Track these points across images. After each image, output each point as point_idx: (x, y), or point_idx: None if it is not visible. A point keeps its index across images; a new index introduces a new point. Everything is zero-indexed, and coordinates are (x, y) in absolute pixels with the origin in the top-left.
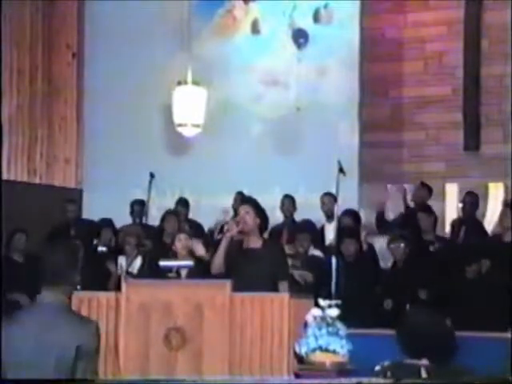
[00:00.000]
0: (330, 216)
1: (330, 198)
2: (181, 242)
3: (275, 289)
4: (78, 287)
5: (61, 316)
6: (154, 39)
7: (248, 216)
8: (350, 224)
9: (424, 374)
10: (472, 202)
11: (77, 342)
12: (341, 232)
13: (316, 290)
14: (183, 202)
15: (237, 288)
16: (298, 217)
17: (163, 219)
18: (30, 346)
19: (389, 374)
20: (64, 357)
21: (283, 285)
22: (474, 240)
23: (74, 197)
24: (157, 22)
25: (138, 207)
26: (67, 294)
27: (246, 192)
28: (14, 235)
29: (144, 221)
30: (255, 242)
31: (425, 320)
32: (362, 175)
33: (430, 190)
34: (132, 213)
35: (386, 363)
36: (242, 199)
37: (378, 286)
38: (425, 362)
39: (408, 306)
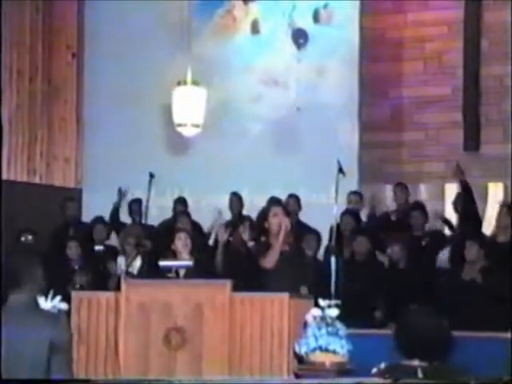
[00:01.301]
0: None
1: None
2: (181, 241)
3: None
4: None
5: (30, 314)
6: (154, 39)
7: (277, 219)
8: (351, 223)
9: (420, 375)
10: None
11: (49, 337)
12: (353, 230)
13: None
14: (182, 201)
15: (267, 289)
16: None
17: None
18: (4, 345)
19: (386, 375)
20: (38, 353)
21: (304, 289)
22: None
23: (73, 195)
24: (157, 22)
25: (137, 206)
26: (33, 293)
27: (246, 192)
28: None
29: (144, 221)
30: (284, 245)
31: (423, 320)
32: (361, 175)
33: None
34: (131, 213)
35: (383, 365)
36: (274, 201)
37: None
38: (422, 363)
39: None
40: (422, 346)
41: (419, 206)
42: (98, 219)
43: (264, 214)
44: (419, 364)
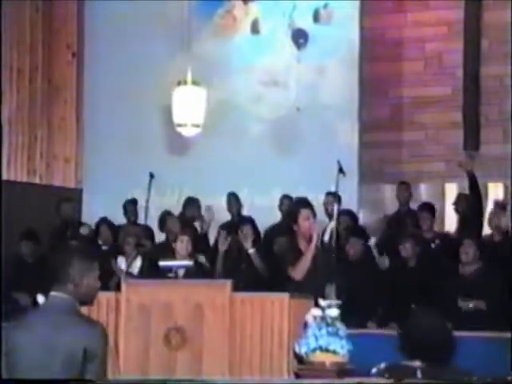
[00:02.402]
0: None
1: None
2: (182, 244)
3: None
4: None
5: (67, 317)
6: (154, 39)
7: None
8: (348, 223)
9: (419, 375)
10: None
11: (84, 344)
12: (346, 231)
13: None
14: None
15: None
16: None
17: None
18: (37, 347)
19: (386, 376)
20: (71, 359)
21: (330, 288)
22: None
23: (70, 196)
24: (157, 22)
25: (132, 207)
26: (76, 295)
27: (246, 192)
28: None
29: (144, 221)
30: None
31: (426, 322)
32: (361, 175)
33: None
34: (126, 213)
35: (383, 365)
36: (302, 202)
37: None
38: (422, 364)
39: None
40: (425, 347)
41: (428, 207)
42: (103, 220)
43: (293, 216)
44: (419, 365)
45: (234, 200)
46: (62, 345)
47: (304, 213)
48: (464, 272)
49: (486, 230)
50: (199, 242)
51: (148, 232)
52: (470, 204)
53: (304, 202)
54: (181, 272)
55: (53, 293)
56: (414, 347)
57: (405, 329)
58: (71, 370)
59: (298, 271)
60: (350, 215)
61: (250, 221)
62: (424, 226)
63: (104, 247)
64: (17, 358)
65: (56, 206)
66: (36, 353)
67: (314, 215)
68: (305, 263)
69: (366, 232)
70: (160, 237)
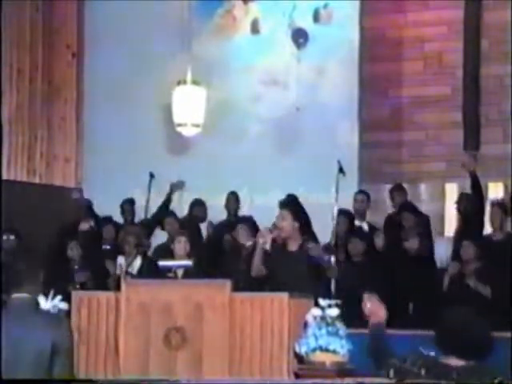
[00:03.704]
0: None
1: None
2: (180, 244)
3: (310, 290)
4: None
5: (33, 315)
6: (154, 39)
7: (285, 223)
8: (346, 224)
9: (454, 376)
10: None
11: (52, 339)
12: (348, 232)
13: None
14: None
15: (275, 289)
16: None
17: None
18: (6, 345)
19: (423, 371)
20: (41, 353)
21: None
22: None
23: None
24: (157, 22)
25: (128, 206)
26: (34, 293)
27: (246, 192)
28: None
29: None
30: (292, 245)
31: (465, 319)
32: (361, 175)
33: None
34: (123, 213)
35: (417, 359)
36: (280, 203)
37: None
38: (459, 361)
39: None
40: (463, 344)
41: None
42: (107, 219)
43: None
44: (455, 364)
45: (233, 199)
46: (30, 342)
47: (278, 215)
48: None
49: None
50: (201, 243)
51: (148, 230)
52: (472, 204)
53: (281, 203)
54: (180, 272)
55: (14, 294)
56: (452, 343)
57: (442, 324)
58: (41, 364)
59: (252, 267)
60: (348, 216)
61: (246, 220)
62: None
63: (106, 246)
64: None
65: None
66: (4, 352)
67: (298, 214)
68: (256, 259)
69: (366, 231)
70: (160, 236)
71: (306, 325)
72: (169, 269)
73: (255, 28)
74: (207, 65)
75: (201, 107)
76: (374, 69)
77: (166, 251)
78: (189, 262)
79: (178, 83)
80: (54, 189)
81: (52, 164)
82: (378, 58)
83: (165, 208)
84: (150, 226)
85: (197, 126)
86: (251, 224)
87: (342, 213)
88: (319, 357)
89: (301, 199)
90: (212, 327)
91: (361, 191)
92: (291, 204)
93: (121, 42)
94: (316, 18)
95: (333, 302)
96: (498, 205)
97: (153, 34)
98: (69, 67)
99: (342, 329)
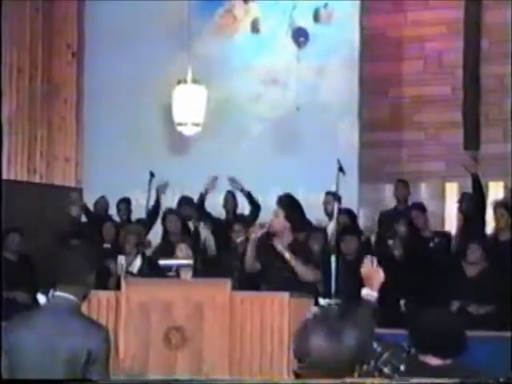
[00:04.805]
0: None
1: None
2: (181, 252)
3: (300, 289)
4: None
5: (72, 318)
6: (154, 39)
7: (276, 219)
8: (347, 222)
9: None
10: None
11: (88, 346)
12: (341, 230)
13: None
14: (187, 201)
15: (266, 288)
16: None
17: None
18: (40, 347)
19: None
20: (74, 360)
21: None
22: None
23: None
24: (157, 21)
25: (124, 205)
26: (80, 295)
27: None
28: (7, 235)
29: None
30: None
31: (438, 318)
32: (361, 175)
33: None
34: (119, 212)
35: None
36: (277, 199)
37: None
38: (437, 360)
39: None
40: (437, 342)
41: (419, 206)
42: (107, 218)
43: None
44: (435, 364)
45: (230, 198)
46: (65, 346)
47: (273, 211)
48: (469, 273)
49: (487, 229)
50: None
51: (148, 228)
52: (474, 203)
53: (278, 200)
54: (187, 274)
55: (57, 293)
56: (426, 342)
57: (417, 322)
58: (73, 371)
59: (245, 263)
60: (350, 214)
61: (243, 219)
62: (419, 225)
63: (106, 245)
64: (17, 358)
65: (67, 197)
66: (37, 354)
67: (291, 213)
68: (249, 254)
69: (359, 229)
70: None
71: None
72: (169, 268)
73: (255, 27)
74: (207, 64)
75: (201, 106)
76: (373, 68)
77: (167, 249)
78: (190, 261)
79: (179, 82)
80: (55, 188)
81: (52, 164)
82: (378, 57)
83: (156, 212)
84: (146, 225)
85: (197, 125)
86: (247, 223)
87: (343, 212)
88: None
89: (301, 199)
90: (212, 326)
91: (329, 192)
92: (285, 202)
93: (121, 41)
94: (316, 17)
95: (333, 301)
96: (502, 205)
97: (153, 34)
98: (69, 67)
99: None
